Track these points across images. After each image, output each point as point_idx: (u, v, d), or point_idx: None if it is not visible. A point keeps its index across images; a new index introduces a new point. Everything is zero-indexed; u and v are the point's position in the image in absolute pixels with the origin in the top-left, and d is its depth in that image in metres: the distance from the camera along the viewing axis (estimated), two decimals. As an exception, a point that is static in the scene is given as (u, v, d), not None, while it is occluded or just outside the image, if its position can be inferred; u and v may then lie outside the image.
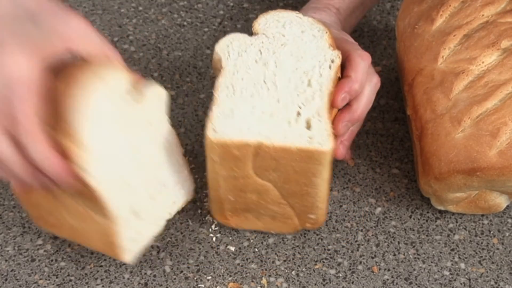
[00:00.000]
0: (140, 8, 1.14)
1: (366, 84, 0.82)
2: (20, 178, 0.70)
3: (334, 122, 0.79)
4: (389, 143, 0.97)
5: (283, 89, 0.78)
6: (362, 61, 0.80)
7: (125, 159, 0.74)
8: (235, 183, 0.78)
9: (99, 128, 0.70)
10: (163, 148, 0.80)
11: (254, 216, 0.84)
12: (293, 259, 0.86)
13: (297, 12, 0.85)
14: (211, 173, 0.78)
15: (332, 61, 0.80)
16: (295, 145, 0.74)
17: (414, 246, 0.88)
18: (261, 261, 0.86)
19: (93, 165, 0.69)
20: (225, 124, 0.75)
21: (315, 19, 0.84)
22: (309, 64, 0.80)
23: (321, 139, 0.75)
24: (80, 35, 0.70)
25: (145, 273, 0.85)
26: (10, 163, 0.68)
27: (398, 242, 0.88)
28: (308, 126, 0.76)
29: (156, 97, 0.78)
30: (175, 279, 0.85)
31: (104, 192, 0.71)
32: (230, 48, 0.81)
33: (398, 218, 0.90)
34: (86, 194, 0.71)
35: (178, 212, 0.84)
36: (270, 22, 0.83)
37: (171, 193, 0.82)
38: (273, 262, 0.86)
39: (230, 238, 0.88)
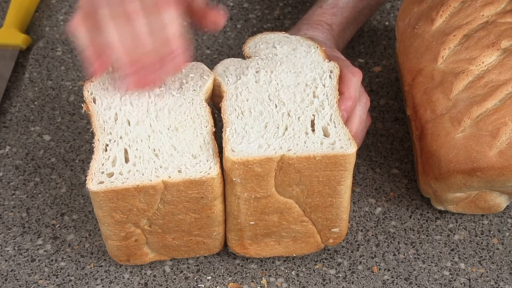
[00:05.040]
0: (140, 8, 1.14)
1: (356, 103, 0.82)
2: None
3: None
4: (389, 143, 0.97)
5: (290, 103, 0.78)
6: (353, 77, 0.81)
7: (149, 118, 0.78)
8: (257, 205, 0.77)
9: None
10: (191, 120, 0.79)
11: (274, 241, 0.83)
12: (293, 259, 0.86)
13: (283, 32, 0.85)
14: (231, 197, 0.77)
15: (331, 72, 0.80)
16: (319, 153, 0.74)
17: (414, 246, 0.88)
18: (261, 261, 0.86)
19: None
20: (242, 142, 0.75)
21: (302, 37, 0.85)
22: (309, 78, 0.80)
23: (343, 143, 0.74)
24: None
25: (145, 273, 0.85)
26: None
27: (398, 242, 0.88)
28: (326, 134, 0.76)
29: (198, 74, 0.80)
30: (175, 279, 0.85)
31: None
32: (228, 73, 0.81)
33: (398, 218, 0.90)
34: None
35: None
36: (260, 44, 0.84)
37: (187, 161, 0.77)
38: (273, 262, 0.86)
39: (230, 238, 0.88)
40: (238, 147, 0.74)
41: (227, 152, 0.74)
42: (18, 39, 1.08)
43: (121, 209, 0.75)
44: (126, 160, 0.75)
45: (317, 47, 0.83)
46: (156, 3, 0.74)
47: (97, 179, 0.74)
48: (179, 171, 0.74)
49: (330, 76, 0.80)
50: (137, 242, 0.80)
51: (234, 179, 0.74)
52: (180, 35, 0.75)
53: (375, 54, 1.07)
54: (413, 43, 0.91)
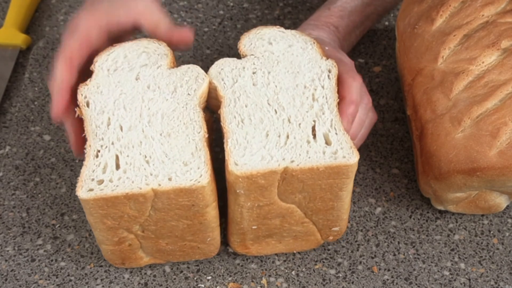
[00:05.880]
0: (140, 8, 1.14)
1: (359, 106, 0.81)
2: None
3: None
4: (389, 143, 0.97)
5: (290, 108, 0.77)
6: (354, 82, 0.80)
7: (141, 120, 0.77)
8: (260, 212, 0.77)
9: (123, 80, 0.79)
10: (183, 123, 0.78)
11: (276, 240, 0.83)
12: (293, 259, 0.86)
13: (278, 26, 0.84)
14: (234, 206, 0.77)
15: (330, 71, 0.79)
16: (322, 164, 0.73)
17: (414, 246, 0.88)
18: (261, 261, 0.86)
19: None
20: (245, 155, 0.74)
21: (298, 31, 0.83)
22: (307, 78, 0.79)
23: (345, 152, 0.74)
24: (145, 11, 0.82)
25: (145, 273, 0.85)
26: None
27: (398, 242, 0.88)
28: (328, 142, 0.75)
29: (193, 77, 0.79)
30: (175, 279, 0.85)
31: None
32: (223, 75, 0.79)
33: (398, 218, 0.90)
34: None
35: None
36: (255, 41, 0.82)
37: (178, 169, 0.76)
38: (273, 262, 0.86)
39: (230, 238, 0.88)
40: (241, 160, 0.73)
41: (230, 166, 0.73)
42: (18, 39, 1.08)
43: (112, 216, 0.75)
44: (117, 167, 0.75)
45: (314, 42, 0.82)
46: None
47: (87, 186, 0.73)
48: (169, 179, 0.73)
49: (328, 76, 0.79)
50: (131, 246, 0.80)
51: (237, 191, 0.74)
52: None
53: (375, 54, 1.07)
54: (413, 43, 0.91)
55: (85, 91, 0.79)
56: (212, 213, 0.77)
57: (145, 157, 0.75)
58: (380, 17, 1.03)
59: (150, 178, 0.73)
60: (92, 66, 0.80)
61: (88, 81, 0.79)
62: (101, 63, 0.80)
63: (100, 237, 0.78)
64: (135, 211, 0.74)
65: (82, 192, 0.73)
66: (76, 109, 0.78)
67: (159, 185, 0.73)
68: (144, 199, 0.73)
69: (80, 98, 0.78)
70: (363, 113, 0.83)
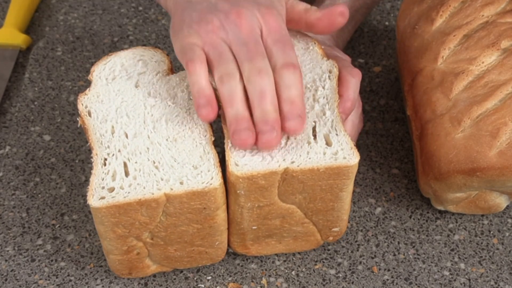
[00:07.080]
0: (140, 8, 1.14)
1: (355, 105, 0.81)
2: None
3: None
4: (389, 143, 0.97)
5: None
6: (352, 78, 0.80)
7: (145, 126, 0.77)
8: (260, 212, 0.77)
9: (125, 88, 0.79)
10: (187, 129, 0.78)
11: (275, 240, 0.83)
12: (293, 259, 0.86)
13: None
14: (234, 206, 0.76)
15: (330, 72, 0.79)
16: (323, 165, 0.73)
17: (414, 246, 0.88)
18: (261, 261, 0.86)
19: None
20: (245, 155, 0.74)
21: (299, 32, 0.83)
22: (308, 78, 0.79)
23: (346, 153, 0.74)
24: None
25: (145, 273, 0.85)
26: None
27: (398, 242, 0.88)
28: (328, 143, 0.75)
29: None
30: (175, 279, 0.85)
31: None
32: None
33: (398, 218, 0.90)
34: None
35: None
36: None
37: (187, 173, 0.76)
38: (273, 262, 0.86)
39: (230, 238, 0.88)
40: (241, 161, 0.73)
41: (231, 166, 0.73)
42: (18, 39, 1.08)
43: (123, 224, 0.74)
44: (126, 174, 0.74)
45: (315, 43, 0.82)
46: (285, 63, 0.74)
47: (98, 195, 0.73)
48: (181, 183, 0.73)
49: (329, 77, 0.79)
50: (139, 255, 0.79)
51: (238, 191, 0.74)
52: (302, 98, 0.74)
53: (375, 54, 1.07)
54: (413, 43, 0.91)
55: (85, 101, 0.78)
56: (222, 215, 0.77)
57: (154, 162, 0.75)
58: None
59: (161, 183, 0.73)
60: (90, 75, 0.80)
61: (87, 91, 0.79)
62: (98, 73, 0.80)
63: (109, 246, 0.78)
64: (147, 218, 0.74)
65: (94, 200, 0.72)
66: (78, 119, 0.78)
67: (171, 189, 0.73)
68: (156, 205, 0.73)
69: (81, 107, 0.78)
70: (356, 116, 0.83)
